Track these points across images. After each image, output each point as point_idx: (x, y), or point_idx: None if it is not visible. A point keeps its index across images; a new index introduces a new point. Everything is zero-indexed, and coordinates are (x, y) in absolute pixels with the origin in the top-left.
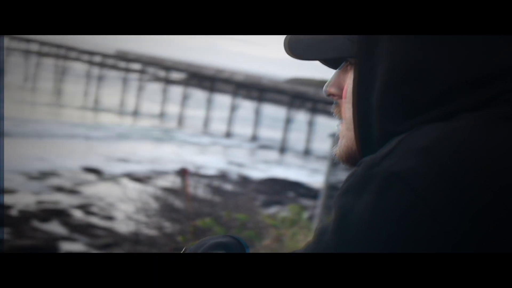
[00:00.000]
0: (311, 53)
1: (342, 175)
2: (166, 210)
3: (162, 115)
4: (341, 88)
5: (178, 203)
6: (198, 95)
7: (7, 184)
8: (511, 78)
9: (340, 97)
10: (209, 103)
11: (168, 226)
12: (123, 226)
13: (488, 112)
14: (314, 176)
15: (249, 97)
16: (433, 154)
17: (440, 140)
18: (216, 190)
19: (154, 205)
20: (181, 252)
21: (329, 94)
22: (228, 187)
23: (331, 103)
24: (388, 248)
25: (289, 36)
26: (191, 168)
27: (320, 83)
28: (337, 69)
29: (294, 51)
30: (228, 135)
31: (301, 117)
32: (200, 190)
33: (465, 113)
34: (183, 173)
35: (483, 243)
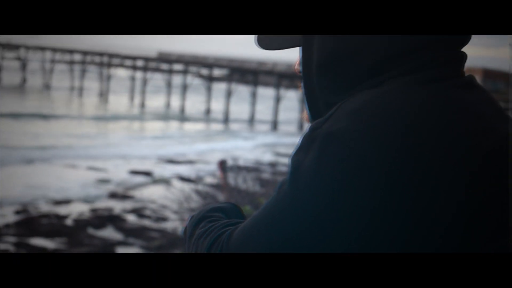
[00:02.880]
0: (276, 44)
1: None
2: (210, 203)
3: (207, 114)
4: None
5: (221, 196)
6: (241, 89)
7: (63, 195)
8: (432, 49)
9: None
10: (253, 97)
11: None
12: (174, 226)
13: (411, 78)
14: None
15: (292, 86)
16: (361, 114)
17: (367, 102)
18: (257, 180)
19: (198, 200)
20: (188, 218)
21: (297, 71)
22: (267, 176)
23: None
24: (332, 193)
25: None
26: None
27: None
28: None
29: (260, 42)
30: (275, 127)
31: None
32: (240, 181)
33: (393, 79)
34: (218, 165)
35: (407, 188)
